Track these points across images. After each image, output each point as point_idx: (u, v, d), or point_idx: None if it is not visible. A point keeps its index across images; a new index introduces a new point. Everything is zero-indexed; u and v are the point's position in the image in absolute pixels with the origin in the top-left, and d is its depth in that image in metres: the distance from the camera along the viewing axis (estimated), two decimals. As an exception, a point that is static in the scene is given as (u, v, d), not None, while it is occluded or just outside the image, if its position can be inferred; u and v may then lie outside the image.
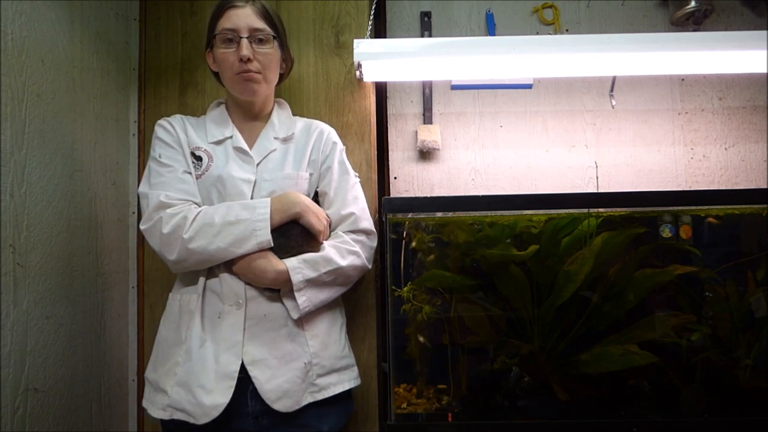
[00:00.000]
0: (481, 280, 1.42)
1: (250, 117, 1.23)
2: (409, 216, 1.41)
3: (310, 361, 1.11)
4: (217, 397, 1.03)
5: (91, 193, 1.31)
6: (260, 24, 1.14)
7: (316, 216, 1.14)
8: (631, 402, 1.38)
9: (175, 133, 1.18)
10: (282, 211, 1.10)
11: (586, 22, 1.73)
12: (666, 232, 1.40)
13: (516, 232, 1.40)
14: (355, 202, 1.22)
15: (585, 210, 1.37)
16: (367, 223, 1.22)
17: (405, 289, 1.38)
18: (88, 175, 1.30)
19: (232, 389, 1.04)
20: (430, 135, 1.65)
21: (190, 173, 1.15)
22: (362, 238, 1.20)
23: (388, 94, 1.73)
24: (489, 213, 1.39)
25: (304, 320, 1.12)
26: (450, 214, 1.42)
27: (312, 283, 1.10)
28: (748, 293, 1.40)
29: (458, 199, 1.51)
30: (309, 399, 1.10)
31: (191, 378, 1.05)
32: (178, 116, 1.23)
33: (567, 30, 1.73)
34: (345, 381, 1.17)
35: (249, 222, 1.07)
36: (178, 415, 1.06)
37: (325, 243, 1.15)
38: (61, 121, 1.20)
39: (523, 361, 1.39)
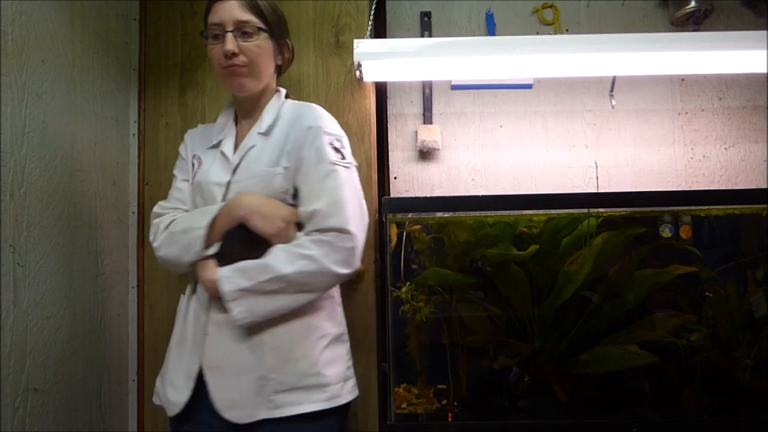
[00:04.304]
0: (481, 279, 1.42)
1: (247, 113, 1.19)
2: (409, 216, 1.41)
3: (266, 375, 1.02)
4: (180, 395, 1.06)
5: (91, 193, 1.31)
6: (246, 16, 1.09)
7: (265, 219, 1.04)
8: (631, 402, 1.38)
9: (185, 143, 1.24)
10: (228, 215, 1.06)
11: (586, 22, 1.73)
12: (666, 232, 1.41)
13: (516, 232, 1.40)
14: (324, 194, 1.04)
15: (585, 210, 1.37)
16: (338, 219, 1.02)
17: (403, 289, 1.39)
18: (88, 175, 1.30)
19: (191, 390, 1.05)
20: (430, 135, 1.65)
21: (187, 181, 1.19)
22: (329, 238, 1.02)
23: (388, 94, 1.72)
24: (489, 213, 1.39)
25: (267, 330, 1.04)
26: (450, 214, 1.42)
27: (250, 292, 1.01)
28: (748, 293, 1.40)
29: (458, 199, 1.51)
30: (264, 414, 1.02)
31: (166, 373, 1.11)
32: (200, 126, 1.27)
33: (567, 30, 1.72)
34: (313, 401, 1.03)
35: (193, 230, 1.07)
36: (159, 402, 1.13)
37: (275, 247, 1.04)
38: (61, 121, 1.20)
39: (523, 361, 1.39)
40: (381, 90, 1.69)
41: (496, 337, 1.41)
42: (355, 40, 1.33)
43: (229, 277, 1.01)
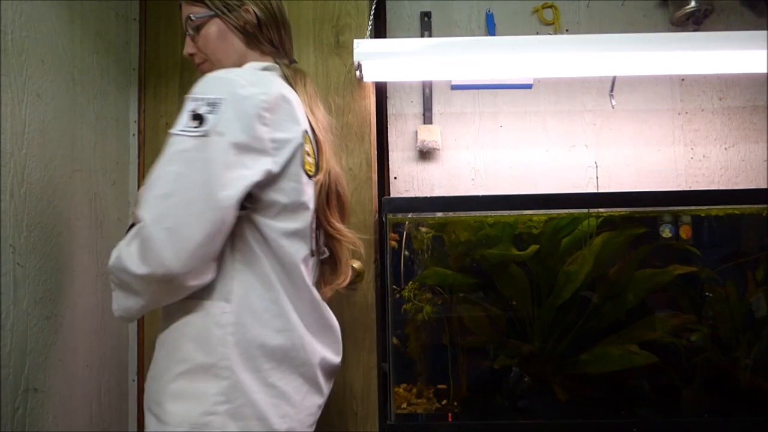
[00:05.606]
0: (480, 279, 1.42)
1: None
2: (410, 216, 1.41)
3: (147, 382, 0.92)
4: None
5: (91, 193, 1.31)
6: (188, 10, 1.02)
7: (141, 203, 0.90)
8: (631, 402, 1.38)
9: None
10: None
11: (586, 22, 1.73)
12: (666, 232, 1.41)
13: (516, 232, 1.40)
14: (151, 175, 0.84)
15: (585, 210, 1.37)
16: (140, 203, 0.83)
17: (406, 288, 1.39)
18: (88, 175, 1.30)
19: None
20: (430, 135, 1.65)
21: None
22: (137, 229, 0.83)
23: (388, 94, 1.72)
24: (489, 213, 1.39)
25: (161, 335, 0.92)
26: (450, 214, 1.42)
27: (112, 282, 0.88)
28: (748, 293, 1.40)
29: (458, 199, 1.51)
30: (152, 426, 0.89)
31: None
32: None
33: (567, 30, 1.72)
34: (152, 430, 0.87)
35: None
36: None
37: None
38: (61, 121, 1.20)
39: (523, 361, 1.39)
40: (381, 90, 1.69)
41: (496, 337, 1.41)
42: (355, 40, 1.33)
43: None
